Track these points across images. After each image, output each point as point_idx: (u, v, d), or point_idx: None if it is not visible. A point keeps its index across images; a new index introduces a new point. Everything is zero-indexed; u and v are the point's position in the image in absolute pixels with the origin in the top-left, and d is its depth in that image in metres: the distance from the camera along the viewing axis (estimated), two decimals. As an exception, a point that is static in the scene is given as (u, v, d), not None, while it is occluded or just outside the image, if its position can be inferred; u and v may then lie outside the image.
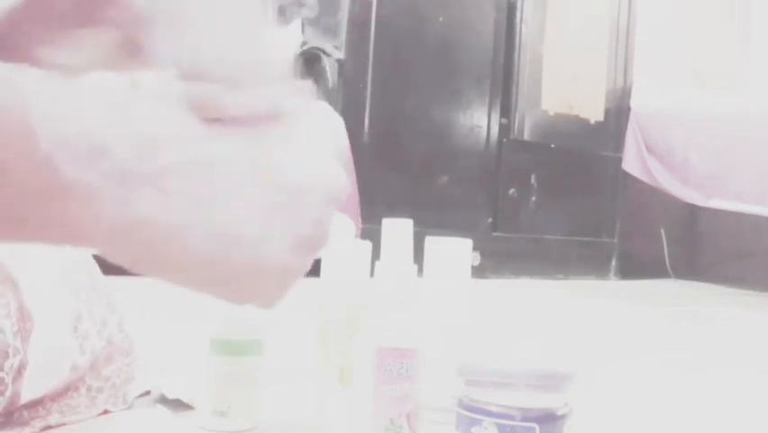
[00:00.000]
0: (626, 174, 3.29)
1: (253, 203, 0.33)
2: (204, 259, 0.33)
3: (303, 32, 2.83)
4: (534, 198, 3.08)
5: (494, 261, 2.87)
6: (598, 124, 3.24)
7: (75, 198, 0.33)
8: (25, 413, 0.69)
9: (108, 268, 0.41)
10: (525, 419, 0.55)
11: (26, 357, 0.65)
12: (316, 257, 0.37)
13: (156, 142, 0.33)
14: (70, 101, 0.33)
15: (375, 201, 2.53)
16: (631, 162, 3.27)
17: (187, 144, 0.33)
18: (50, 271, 0.71)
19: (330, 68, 2.62)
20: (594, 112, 3.23)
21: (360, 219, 2.32)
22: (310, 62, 2.74)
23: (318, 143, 0.36)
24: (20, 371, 0.64)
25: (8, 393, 0.64)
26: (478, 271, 2.62)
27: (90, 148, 0.33)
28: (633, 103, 3.32)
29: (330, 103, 2.53)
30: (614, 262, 3.32)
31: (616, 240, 3.33)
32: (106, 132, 0.33)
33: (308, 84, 0.37)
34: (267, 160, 0.34)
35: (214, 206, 0.33)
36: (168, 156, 0.33)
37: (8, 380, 0.64)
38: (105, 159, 0.33)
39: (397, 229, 0.72)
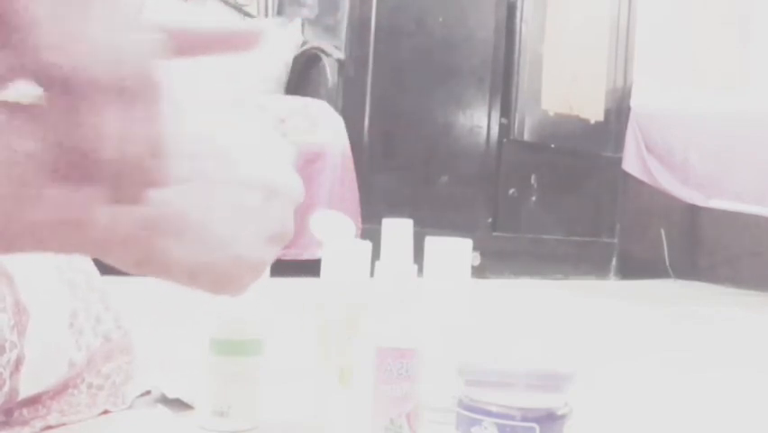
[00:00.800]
0: (626, 174, 3.29)
1: (229, 208, 0.37)
2: (192, 258, 0.37)
3: (303, 32, 2.83)
4: (534, 198, 3.08)
5: (494, 261, 2.87)
6: (598, 124, 3.24)
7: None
8: (25, 412, 0.69)
9: (106, 268, 0.42)
10: (525, 419, 0.55)
11: (23, 352, 0.65)
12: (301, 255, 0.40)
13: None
14: None
15: (375, 201, 2.53)
16: (631, 162, 3.27)
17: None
18: (47, 268, 0.71)
19: (330, 68, 2.61)
20: (594, 112, 3.23)
21: (360, 219, 2.32)
22: (310, 62, 2.74)
23: (276, 152, 0.40)
24: (17, 366, 0.64)
25: (6, 388, 0.64)
26: (478, 271, 2.62)
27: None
28: (633, 103, 3.32)
29: (330, 103, 2.53)
30: (614, 262, 3.32)
31: (616, 240, 3.33)
32: None
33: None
34: (240, 173, 0.38)
35: (198, 212, 0.37)
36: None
37: (6, 375, 0.63)
38: None
39: (397, 229, 0.71)
